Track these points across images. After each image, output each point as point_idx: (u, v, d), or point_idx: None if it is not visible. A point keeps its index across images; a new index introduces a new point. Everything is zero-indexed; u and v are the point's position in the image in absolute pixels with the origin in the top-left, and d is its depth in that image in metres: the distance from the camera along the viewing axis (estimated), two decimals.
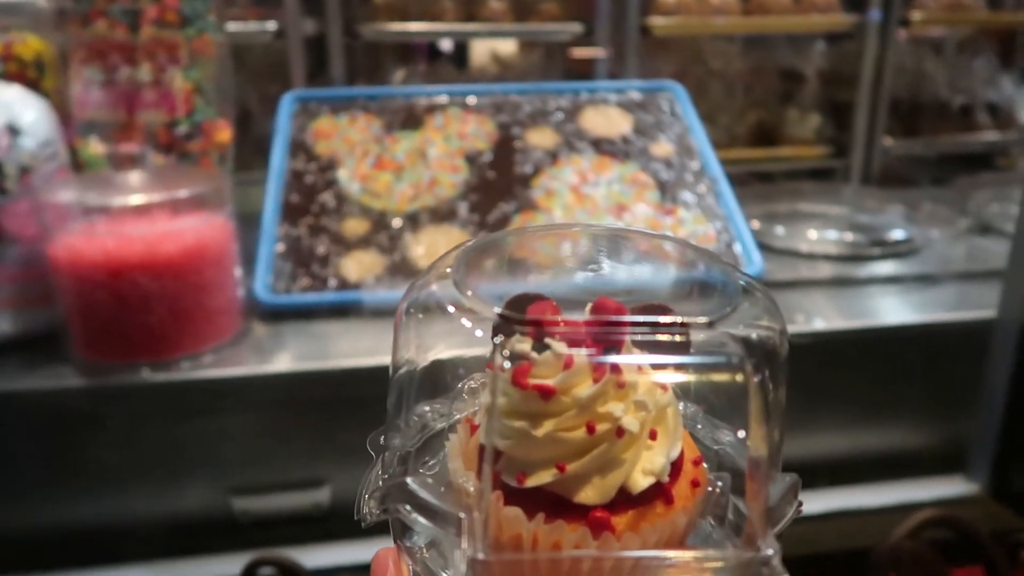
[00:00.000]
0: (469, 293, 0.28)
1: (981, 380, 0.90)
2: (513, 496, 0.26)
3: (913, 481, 0.91)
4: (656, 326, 0.26)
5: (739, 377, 0.26)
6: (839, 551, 0.80)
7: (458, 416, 0.32)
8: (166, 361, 0.78)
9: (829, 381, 0.90)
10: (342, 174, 0.99)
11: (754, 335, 0.27)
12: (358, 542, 0.79)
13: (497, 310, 0.26)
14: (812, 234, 1.09)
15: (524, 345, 0.27)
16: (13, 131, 0.76)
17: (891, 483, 0.91)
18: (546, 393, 0.26)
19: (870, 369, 0.92)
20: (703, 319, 0.26)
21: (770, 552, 0.25)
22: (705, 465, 0.30)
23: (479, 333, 0.27)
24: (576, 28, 1.26)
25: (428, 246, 0.93)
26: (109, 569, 0.77)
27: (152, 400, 0.77)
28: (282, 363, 0.80)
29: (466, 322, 0.28)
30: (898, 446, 0.94)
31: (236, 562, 0.72)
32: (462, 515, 0.26)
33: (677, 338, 0.26)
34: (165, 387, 0.77)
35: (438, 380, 0.32)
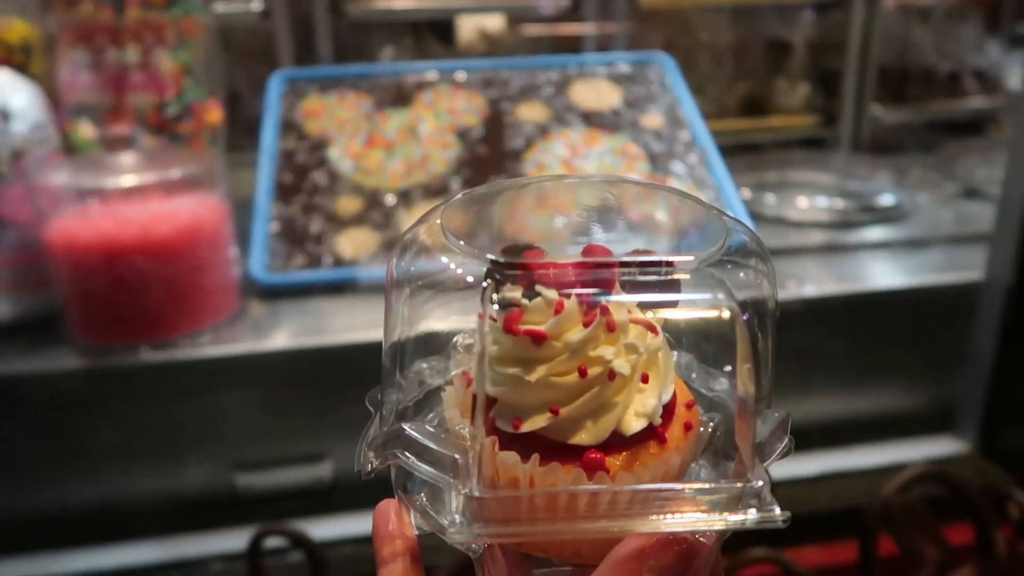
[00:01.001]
0: (461, 243, 0.28)
1: (969, 341, 0.92)
2: (509, 442, 0.27)
3: (905, 441, 0.93)
4: (644, 265, 0.26)
5: (726, 315, 0.26)
6: (833, 510, 0.82)
7: (455, 371, 0.33)
8: (164, 341, 0.78)
9: (821, 345, 0.92)
10: (333, 152, 1.00)
11: (742, 276, 0.28)
12: (361, 514, 0.80)
13: (489, 258, 0.27)
14: (802, 202, 1.10)
15: (515, 292, 0.27)
16: (4, 115, 0.76)
17: (883, 443, 0.92)
18: (538, 338, 0.27)
19: (861, 332, 0.93)
20: (690, 258, 0.27)
21: (759, 484, 0.26)
22: (699, 408, 0.30)
23: (470, 279, 0.27)
24: (564, 2, 1.26)
25: None
26: (115, 547, 0.78)
27: (152, 380, 0.78)
28: (280, 340, 0.80)
29: (458, 272, 0.28)
30: (889, 407, 0.95)
31: (241, 536, 0.73)
32: (458, 457, 0.26)
33: (666, 277, 0.26)
34: (164, 367, 0.77)
35: (432, 334, 0.32)
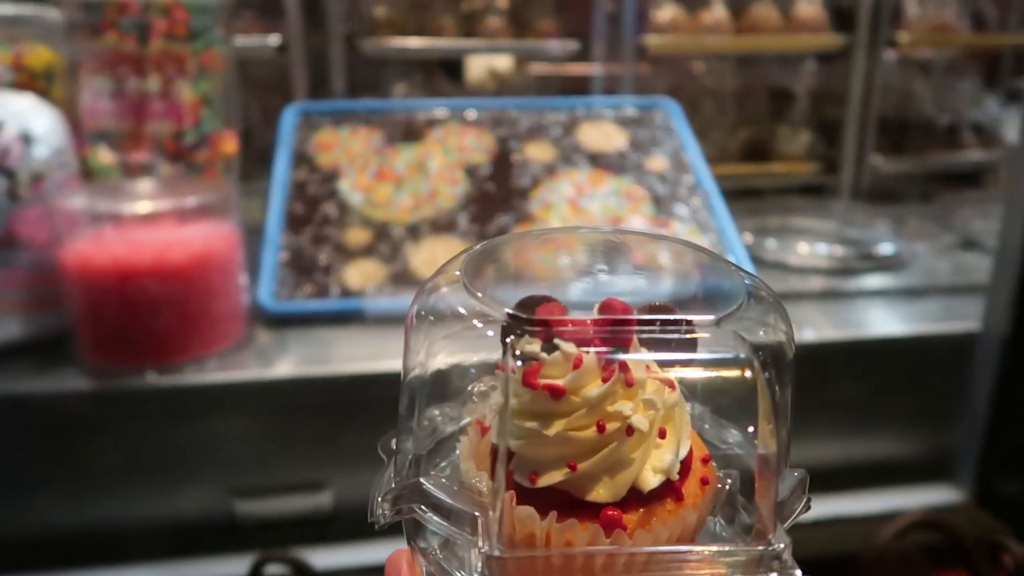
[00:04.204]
0: (480, 295, 0.28)
1: (965, 390, 0.93)
2: (525, 495, 0.26)
3: (901, 488, 0.94)
4: (663, 324, 0.26)
5: (748, 374, 0.26)
6: (828, 556, 0.82)
7: (468, 419, 0.32)
8: (171, 365, 0.79)
9: (819, 391, 0.92)
10: (344, 185, 1.01)
11: (762, 333, 0.27)
12: (359, 544, 0.81)
13: (507, 311, 0.27)
14: (803, 248, 1.12)
15: (534, 346, 0.27)
16: (26, 139, 0.77)
17: (880, 490, 0.93)
18: (556, 393, 0.26)
19: (859, 379, 0.94)
20: (710, 317, 0.27)
21: (781, 546, 0.26)
22: (714, 463, 0.30)
23: (490, 334, 0.27)
24: (573, 45, 1.29)
25: (428, 256, 0.95)
26: (115, 569, 0.78)
27: (157, 404, 0.79)
28: (285, 368, 0.81)
29: (477, 324, 0.28)
30: (887, 454, 0.96)
31: (239, 562, 0.73)
32: (477, 514, 0.26)
33: (685, 336, 0.26)
34: (170, 391, 0.78)
35: (448, 383, 0.31)
